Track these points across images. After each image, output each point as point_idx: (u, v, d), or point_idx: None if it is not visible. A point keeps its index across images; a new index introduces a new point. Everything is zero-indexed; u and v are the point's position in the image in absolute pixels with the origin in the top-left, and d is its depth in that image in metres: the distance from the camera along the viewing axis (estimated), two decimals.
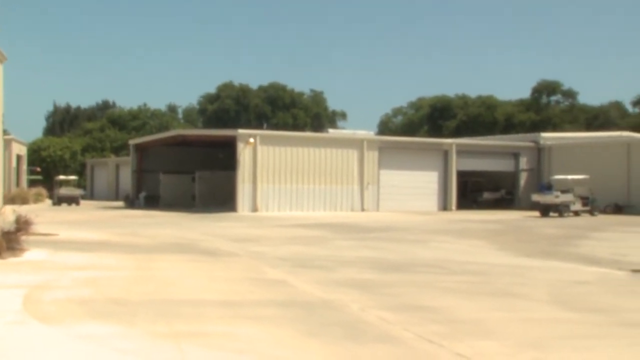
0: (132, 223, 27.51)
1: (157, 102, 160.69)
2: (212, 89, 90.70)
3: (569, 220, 32.19)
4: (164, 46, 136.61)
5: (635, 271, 14.20)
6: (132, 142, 49.66)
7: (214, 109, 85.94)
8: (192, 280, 11.83)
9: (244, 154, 36.27)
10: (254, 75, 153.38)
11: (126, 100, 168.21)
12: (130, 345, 6.90)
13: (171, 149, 46.44)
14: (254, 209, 36.11)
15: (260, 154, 36.53)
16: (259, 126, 79.94)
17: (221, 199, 39.67)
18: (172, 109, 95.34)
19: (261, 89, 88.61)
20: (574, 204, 35.86)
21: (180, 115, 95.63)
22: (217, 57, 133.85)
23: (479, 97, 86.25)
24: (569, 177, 37.26)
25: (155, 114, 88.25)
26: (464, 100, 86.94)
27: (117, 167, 60.89)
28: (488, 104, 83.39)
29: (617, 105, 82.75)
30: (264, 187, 36.67)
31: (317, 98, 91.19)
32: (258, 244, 19.13)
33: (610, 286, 12.32)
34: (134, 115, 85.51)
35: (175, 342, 6.97)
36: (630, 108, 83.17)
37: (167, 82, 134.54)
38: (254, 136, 37.19)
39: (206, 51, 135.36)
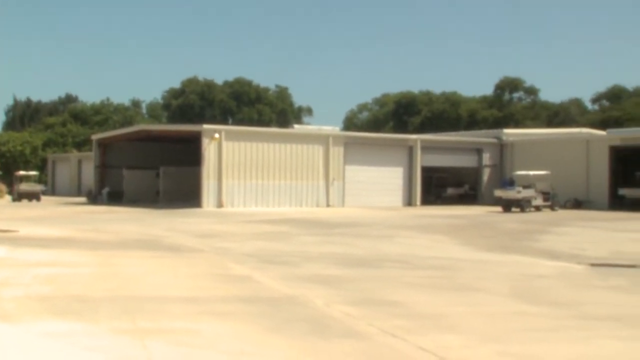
0: (94, 219, 27.15)
1: (121, 97, 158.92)
2: (176, 84, 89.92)
3: (531, 216, 32.74)
4: (128, 40, 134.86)
5: (593, 265, 14.53)
6: (94, 137, 48.92)
7: (179, 104, 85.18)
8: (156, 276, 11.74)
9: (209, 149, 36.03)
10: (219, 71, 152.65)
11: (89, 95, 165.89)
12: (93, 342, 6.84)
13: (135, 144, 45.90)
14: (219, 204, 35.92)
15: (225, 150, 36.32)
16: (224, 122, 79.49)
17: (186, 194, 39.36)
18: (135, 103, 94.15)
19: (226, 84, 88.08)
20: (535, 199, 36.47)
21: (144, 110, 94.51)
22: (182, 52, 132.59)
23: (443, 94, 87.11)
24: (531, 172, 37.89)
25: (119, 108, 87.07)
26: (428, 96, 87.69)
27: (80, 162, 59.91)
28: (452, 100, 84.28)
29: (577, 103, 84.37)
30: (229, 182, 36.49)
31: (283, 94, 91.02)
32: (223, 239, 19.05)
33: (569, 280, 12.58)
34: (97, 109, 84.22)
35: (139, 339, 6.93)
36: (589, 105, 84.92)
37: (130, 76, 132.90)
38: (219, 131, 36.96)
39: (170, 46, 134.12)
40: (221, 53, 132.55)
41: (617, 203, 38.74)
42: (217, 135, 36.15)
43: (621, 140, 41.18)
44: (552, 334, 7.72)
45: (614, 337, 7.61)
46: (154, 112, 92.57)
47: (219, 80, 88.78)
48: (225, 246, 17.19)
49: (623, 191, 38.92)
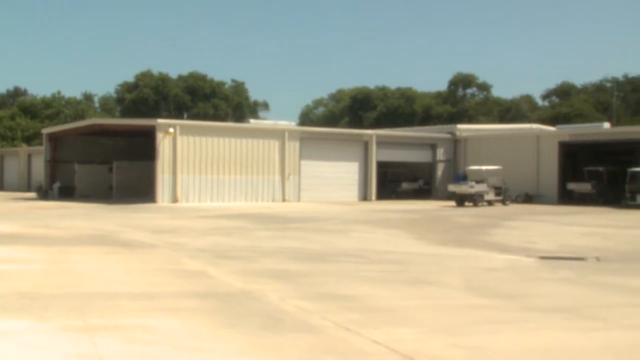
0: (45, 215, 26.57)
1: (72, 90, 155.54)
2: (130, 78, 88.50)
3: (483, 210, 33.31)
4: (80, 32, 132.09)
5: (542, 258, 14.87)
6: (45, 131, 47.79)
7: (133, 98, 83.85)
8: (108, 272, 11.56)
9: (163, 144, 35.60)
10: (173, 65, 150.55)
11: (39, 88, 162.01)
12: (42, 340, 6.70)
13: (87, 139, 45.04)
14: (174, 199, 35.57)
15: (180, 144, 35.95)
16: (179, 116, 78.62)
17: (140, 189, 38.85)
18: (88, 97, 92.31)
19: (181, 78, 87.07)
20: (487, 193, 37.11)
21: (96, 104, 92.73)
22: (136, 45, 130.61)
23: (399, 89, 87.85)
24: (483, 167, 38.54)
25: (70, 102, 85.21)
26: (383, 92, 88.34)
27: (29, 157, 58.47)
28: (407, 96, 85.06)
29: (528, 99, 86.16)
30: (184, 177, 36.15)
31: (239, 88, 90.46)
32: (177, 235, 18.87)
33: (519, 273, 12.84)
34: (48, 103, 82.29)
35: (89, 336, 6.82)
36: (539, 101, 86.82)
37: (82, 69, 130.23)
38: (174, 126, 36.55)
39: (124, 39, 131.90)
40: (176, 47, 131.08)
41: (566, 197, 39.75)
42: (171, 130, 35.75)
43: (570, 136, 42.22)
44: (502, 325, 7.88)
45: (561, 328, 7.80)
46: (107, 106, 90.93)
47: (173, 75, 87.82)
48: (180, 241, 17.02)
49: (571, 186, 39.94)
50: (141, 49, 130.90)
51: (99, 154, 43.91)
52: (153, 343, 6.67)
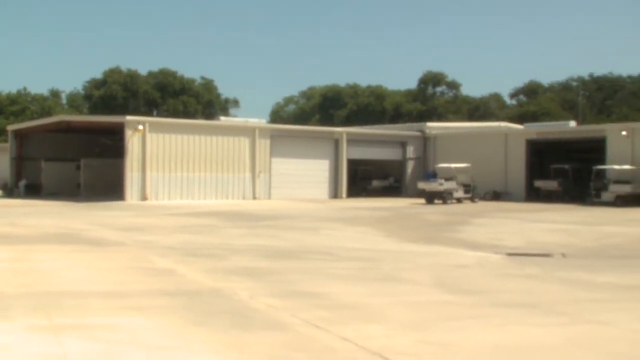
0: (10, 213, 26.12)
1: (39, 87, 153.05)
2: (98, 75, 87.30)
3: (452, 207, 33.61)
4: (47, 27, 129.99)
5: (510, 255, 15.07)
6: (11, 127, 46.94)
7: (101, 95, 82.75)
8: (75, 271, 11.42)
9: (132, 141, 35.23)
10: (142, 61, 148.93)
11: (4, 84, 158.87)
12: (6, 340, 6.58)
13: (54, 136, 44.34)
14: (144, 197, 35.24)
15: (149, 142, 35.62)
16: (148, 113, 77.83)
17: (109, 187, 38.40)
18: (55, 94, 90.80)
19: (151, 75, 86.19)
20: (457, 191, 37.44)
21: (64, 101, 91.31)
22: (104, 41, 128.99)
23: (369, 87, 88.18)
24: (453, 165, 38.89)
25: (37, 99, 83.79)
26: (354, 90, 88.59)
27: None
28: (377, 94, 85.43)
29: (497, 97, 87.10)
30: (154, 175, 35.83)
31: (209, 85, 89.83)
32: (147, 233, 18.70)
33: (488, 269, 13.00)
34: (13, 99, 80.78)
35: (55, 336, 6.73)
36: (508, 100, 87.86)
37: (49, 65, 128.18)
38: (143, 123, 36.18)
39: (92, 34, 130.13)
40: (145, 43, 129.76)
41: (533, 195, 40.28)
42: (141, 127, 35.40)
43: (537, 135, 42.81)
44: (470, 321, 7.96)
45: (528, 323, 7.91)
46: (74, 103, 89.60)
47: (143, 71, 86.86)
48: (149, 240, 16.88)
49: (538, 183, 40.49)
50: (110, 45, 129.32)
51: (67, 151, 43.27)
52: (120, 342, 6.61)
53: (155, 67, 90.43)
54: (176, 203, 34.65)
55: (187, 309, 8.31)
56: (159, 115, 77.75)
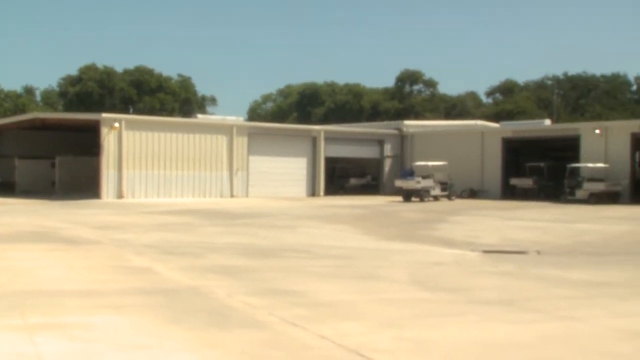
0: None
1: (12, 83, 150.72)
2: (73, 71, 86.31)
3: (429, 205, 33.81)
4: (21, 23, 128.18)
5: (486, 252, 15.21)
6: None
7: (76, 91, 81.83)
8: (50, 270, 11.31)
9: (108, 139, 34.92)
10: (118, 58, 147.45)
11: None
12: None
13: (28, 133, 43.75)
14: (120, 195, 34.96)
15: (125, 139, 35.33)
16: (124, 110, 77.14)
17: (84, 185, 38.02)
18: (29, 90, 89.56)
19: (127, 72, 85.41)
20: (433, 189, 37.68)
21: (38, 98, 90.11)
22: (79, 37, 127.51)
23: (347, 85, 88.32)
24: (430, 163, 39.14)
25: (10, 95, 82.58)
26: (332, 87, 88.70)
27: None
28: (355, 91, 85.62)
29: (473, 96, 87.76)
30: (130, 173, 35.55)
31: (186, 83, 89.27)
32: (123, 231, 18.56)
33: (464, 266, 13.11)
34: None
35: (29, 335, 6.66)
36: (484, 98, 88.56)
37: (23, 62, 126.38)
38: (119, 120, 35.88)
39: (67, 30, 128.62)
40: (121, 40, 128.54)
41: (509, 192, 40.69)
42: (116, 125, 35.09)
43: (513, 133, 43.22)
44: (446, 318, 8.03)
45: (502, 320, 8.00)
46: (49, 100, 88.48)
47: (118, 68, 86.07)
48: (125, 238, 16.76)
49: (514, 181, 40.92)
50: (85, 41, 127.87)
51: (41, 148, 42.73)
52: (95, 341, 6.56)
53: (131, 64, 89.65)
54: (153, 201, 34.43)
55: (163, 307, 8.27)
56: (135, 112, 77.11)
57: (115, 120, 35.77)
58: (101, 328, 7.08)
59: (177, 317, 7.67)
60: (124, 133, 35.30)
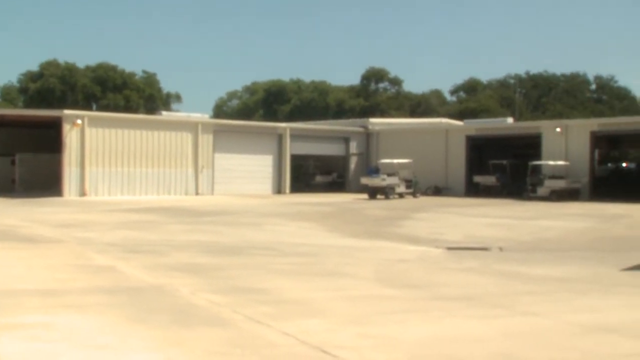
0: None
1: None
2: (34, 67, 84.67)
3: (394, 202, 34.03)
4: None
5: (449, 249, 15.38)
6: None
7: (37, 87, 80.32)
8: (9, 269, 11.09)
9: (70, 135, 34.36)
10: (80, 54, 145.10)
11: None
12: None
13: None
14: (82, 193, 34.44)
15: (88, 136, 34.81)
16: (87, 107, 75.89)
17: (45, 183, 37.34)
18: None
19: (89, 68, 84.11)
20: (399, 186, 37.91)
21: None
22: (40, 32, 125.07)
23: (312, 83, 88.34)
24: (395, 161, 39.37)
25: None
26: (297, 85, 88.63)
27: None
28: (321, 89, 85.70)
29: (438, 94, 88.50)
30: (93, 170, 35.05)
31: (150, 79, 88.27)
32: (85, 229, 18.29)
33: (428, 263, 13.24)
34: None
35: None
36: (448, 96, 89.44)
37: None
38: (82, 117, 35.32)
39: (27, 26, 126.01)
40: (83, 35, 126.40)
41: (473, 190, 41.18)
42: (79, 122, 34.56)
43: (476, 130, 43.72)
44: (409, 315, 8.10)
45: (465, 316, 8.09)
46: (8, 96, 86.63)
47: (81, 64, 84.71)
48: (87, 236, 16.52)
49: (477, 179, 41.42)
50: (46, 36, 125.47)
51: (0, 145, 41.83)
52: (56, 341, 6.46)
53: (94, 61, 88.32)
54: (116, 199, 34.01)
55: (126, 306, 8.18)
56: (99, 109, 75.93)
57: (77, 117, 35.22)
58: (62, 328, 6.97)
59: (140, 316, 7.60)
60: (87, 130, 34.79)
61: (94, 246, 14.41)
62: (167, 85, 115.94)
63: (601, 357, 6.34)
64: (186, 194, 38.05)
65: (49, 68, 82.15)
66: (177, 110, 74.02)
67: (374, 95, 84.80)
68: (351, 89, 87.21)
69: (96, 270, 11.34)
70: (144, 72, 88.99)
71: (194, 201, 32.86)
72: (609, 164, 52.80)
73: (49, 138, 39.47)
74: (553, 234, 19.31)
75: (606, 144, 48.59)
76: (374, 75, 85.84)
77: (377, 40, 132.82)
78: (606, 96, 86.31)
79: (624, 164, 54.07)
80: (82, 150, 34.59)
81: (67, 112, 36.02)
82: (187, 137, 38.52)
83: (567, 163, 37.14)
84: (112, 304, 8.29)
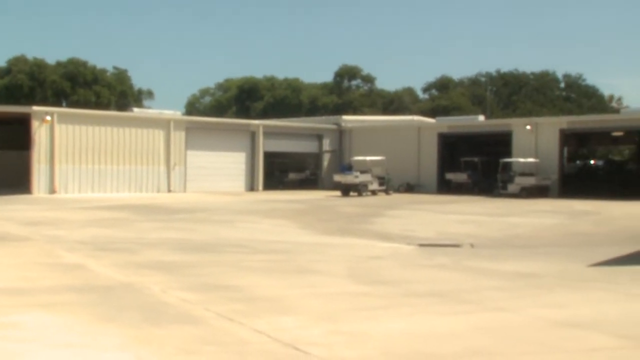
0: None
1: None
2: (1, 63, 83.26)
3: (367, 199, 34.16)
4: None
5: (421, 245, 15.50)
6: None
7: (5, 84, 78.96)
8: None
9: (39, 132, 33.87)
10: (50, 50, 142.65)
11: None
12: None
13: None
14: (52, 190, 33.98)
15: (58, 133, 34.35)
16: (57, 104, 74.84)
17: (13, 180, 36.79)
18: None
19: (59, 64, 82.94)
20: (371, 183, 38.07)
21: None
22: (7, 28, 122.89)
23: (286, 80, 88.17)
24: (368, 158, 39.52)
25: None
26: (271, 82, 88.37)
27: None
28: (294, 86, 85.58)
29: (410, 91, 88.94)
30: (63, 167, 34.61)
31: (122, 76, 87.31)
32: (55, 227, 18.06)
33: (400, 260, 13.33)
34: None
35: None
36: (421, 94, 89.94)
37: None
38: (51, 114, 34.84)
39: None
40: (52, 31, 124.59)
41: (445, 187, 41.49)
42: (48, 118, 34.09)
43: (448, 128, 44.06)
44: (381, 311, 8.15)
45: (436, 312, 8.17)
46: None
47: (50, 60, 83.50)
48: (57, 234, 16.32)
49: (449, 176, 41.75)
50: (14, 32, 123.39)
51: None
52: (24, 340, 6.38)
53: (64, 56, 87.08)
54: (87, 196, 33.62)
55: (96, 304, 8.11)
56: (69, 105, 74.92)
57: (47, 113, 34.74)
58: (31, 327, 6.89)
59: (110, 314, 7.54)
60: (57, 126, 34.34)
61: (63, 244, 14.24)
62: (138, 81, 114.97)
63: (568, 352, 6.45)
64: (158, 191, 37.78)
65: (17, 64, 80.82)
66: (149, 107, 73.33)
67: (347, 92, 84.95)
68: (324, 87, 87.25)
69: (66, 268, 11.21)
70: (115, 68, 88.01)
71: (166, 199, 32.63)
72: (578, 162, 53.58)
73: (17, 135, 38.87)
74: (523, 231, 19.56)
75: (575, 142, 49.32)
76: (347, 73, 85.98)
77: (350, 38, 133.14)
78: (575, 94, 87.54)
79: (591, 162, 54.92)
80: (52, 147, 34.15)
81: (36, 108, 35.49)
82: (159, 134, 38.23)
83: (537, 160, 37.63)
84: (82, 302, 8.21)
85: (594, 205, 29.19)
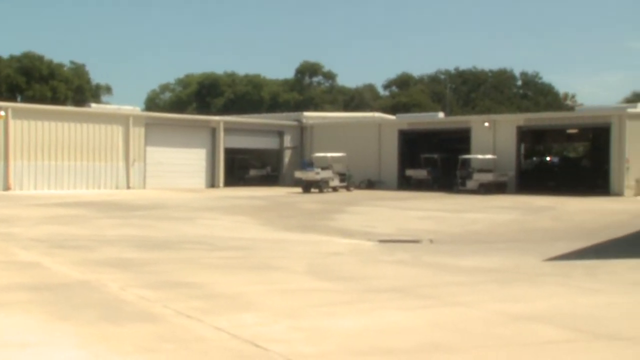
0: None
1: None
2: None
3: (328, 196, 34.24)
4: None
5: (381, 241, 15.60)
6: None
7: None
8: None
9: None
10: (3, 44, 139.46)
11: None
12: None
13: None
14: (6, 187, 33.25)
15: (12, 128, 33.61)
16: (11, 99, 73.14)
17: None
18: None
19: (13, 58, 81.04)
20: (332, 180, 38.18)
21: None
22: None
23: (247, 76, 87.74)
24: (329, 154, 39.63)
25: None
26: (231, 78, 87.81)
27: None
28: (255, 82, 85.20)
29: (371, 88, 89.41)
30: (18, 163, 33.88)
31: (79, 70, 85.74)
32: (8, 224, 17.67)
33: (360, 256, 13.39)
34: None
35: None
36: (381, 91, 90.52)
37: None
38: (5, 109, 34.07)
39: None
40: (5, 24, 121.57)
41: (405, 183, 41.86)
42: (2, 113, 33.32)
43: (408, 125, 44.43)
44: (341, 307, 8.18)
45: (395, 307, 8.24)
46: None
47: (4, 54, 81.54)
48: (11, 231, 15.97)
49: (409, 172, 42.13)
50: None
51: None
52: None
53: (18, 50, 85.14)
54: (43, 193, 32.98)
55: (51, 302, 7.97)
56: (24, 100, 73.28)
57: (0, 108, 33.96)
58: None
59: (66, 312, 7.41)
60: (11, 122, 33.60)
61: (17, 242, 13.95)
62: (96, 76, 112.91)
63: (524, 345, 6.58)
64: (117, 188, 37.27)
65: None
66: (107, 103, 72.19)
67: (308, 89, 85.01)
68: (285, 83, 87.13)
69: (20, 266, 10.98)
70: (72, 62, 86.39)
71: (125, 195, 32.20)
72: (534, 158, 54.56)
73: None
74: (481, 226, 19.85)
75: (531, 139, 50.20)
76: (308, 69, 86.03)
77: (311, 34, 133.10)
78: (531, 92, 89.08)
79: (547, 158, 55.98)
80: (6, 142, 33.41)
81: None
82: (117, 130, 37.70)
83: (494, 157, 38.20)
84: (38, 301, 8.06)
85: (550, 201, 29.78)
